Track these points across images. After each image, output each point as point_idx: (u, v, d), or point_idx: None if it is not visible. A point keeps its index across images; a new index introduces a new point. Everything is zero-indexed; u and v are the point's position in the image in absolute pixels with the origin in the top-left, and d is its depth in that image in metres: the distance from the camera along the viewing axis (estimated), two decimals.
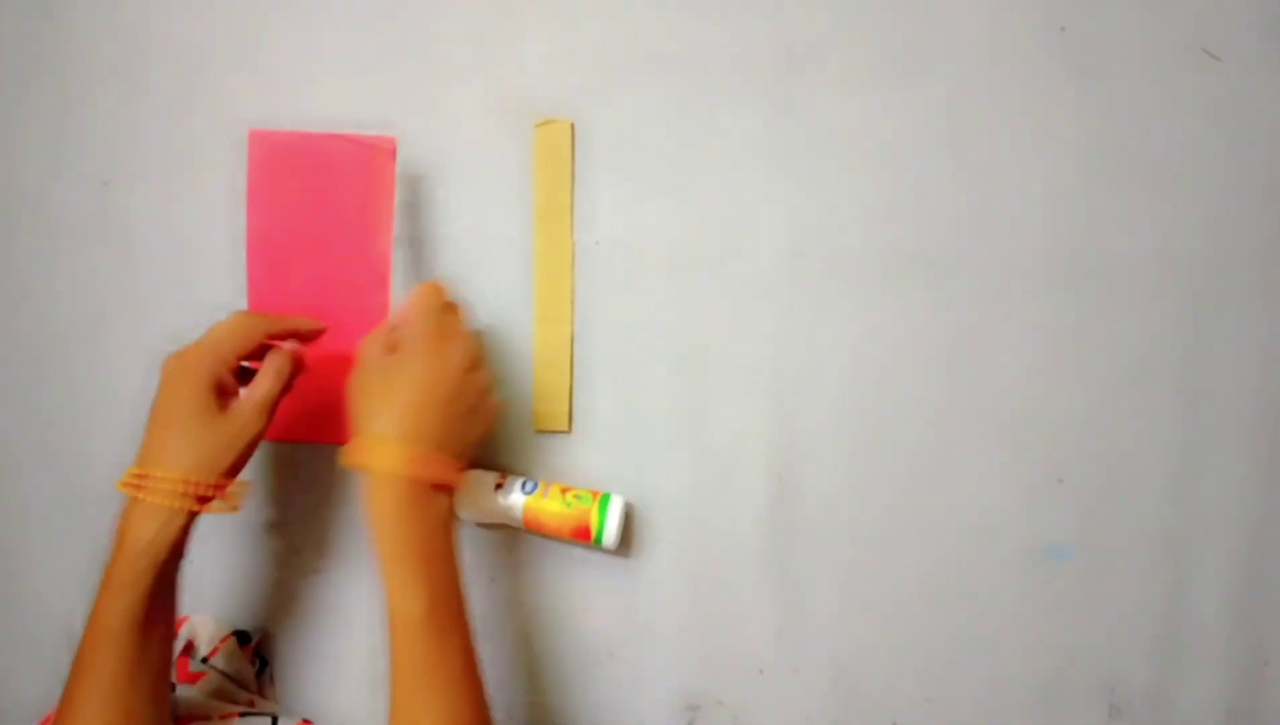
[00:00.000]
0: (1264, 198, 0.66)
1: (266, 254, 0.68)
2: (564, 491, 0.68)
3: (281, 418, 0.63)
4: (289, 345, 0.63)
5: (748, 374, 0.69)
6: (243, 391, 0.61)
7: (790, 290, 0.68)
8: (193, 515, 0.59)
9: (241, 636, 0.72)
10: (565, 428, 0.70)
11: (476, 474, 0.69)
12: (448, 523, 0.59)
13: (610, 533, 0.66)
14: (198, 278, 0.70)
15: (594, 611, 0.71)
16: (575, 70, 0.68)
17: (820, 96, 0.67)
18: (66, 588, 0.72)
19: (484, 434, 0.63)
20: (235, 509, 0.61)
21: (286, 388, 0.62)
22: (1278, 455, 0.68)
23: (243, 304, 0.68)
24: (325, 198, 0.67)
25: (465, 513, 0.68)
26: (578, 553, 0.71)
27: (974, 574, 0.69)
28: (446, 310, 0.62)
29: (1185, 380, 0.68)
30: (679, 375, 0.69)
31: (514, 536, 0.71)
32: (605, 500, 0.67)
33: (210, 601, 0.72)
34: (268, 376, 0.61)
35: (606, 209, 0.69)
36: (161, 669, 0.59)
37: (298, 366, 0.63)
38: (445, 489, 0.59)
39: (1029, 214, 0.67)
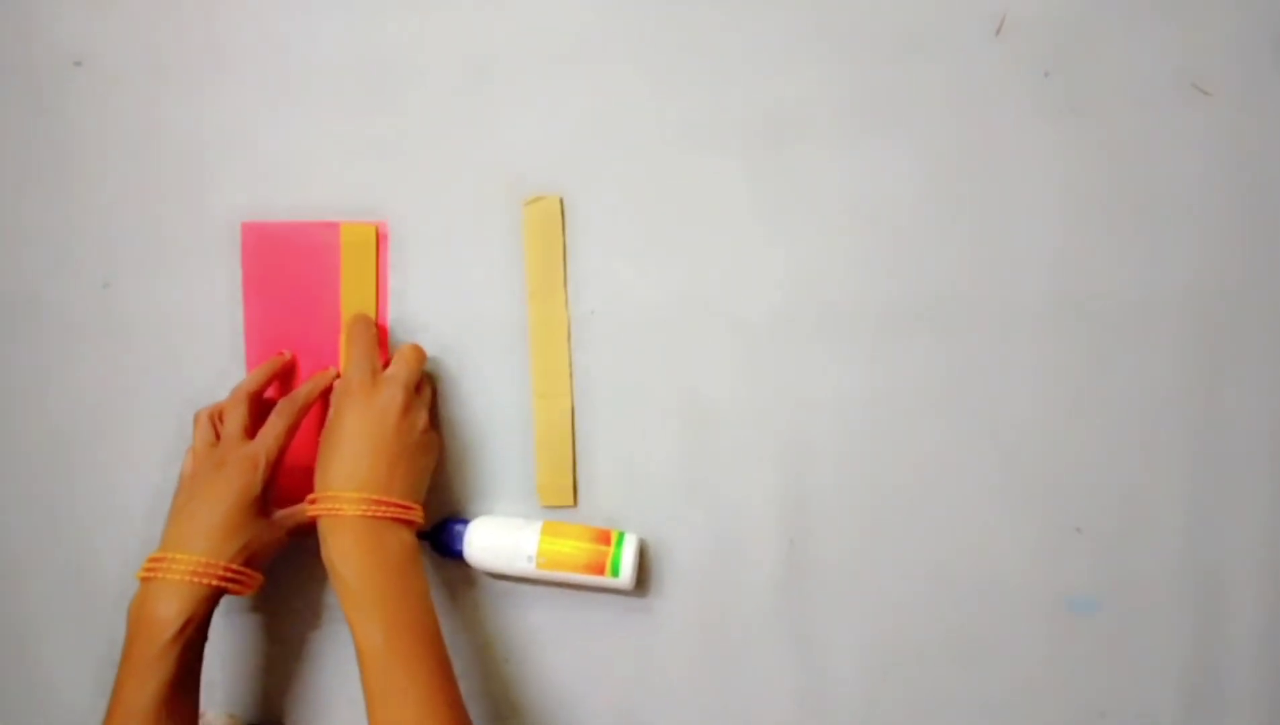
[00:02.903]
0: (1261, 231, 0.65)
1: (264, 343, 0.70)
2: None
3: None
4: None
5: (752, 437, 0.68)
6: (280, 513, 0.65)
7: (789, 350, 0.68)
8: (214, 596, 0.60)
9: None
10: (571, 502, 0.69)
11: (489, 519, 0.68)
12: (406, 557, 0.60)
13: (626, 565, 0.66)
14: (199, 371, 0.70)
15: (609, 677, 0.70)
16: (561, 146, 0.68)
17: (805, 154, 0.67)
18: (80, 689, 0.72)
19: (430, 468, 0.66)
20: (253, 592, 0.63)
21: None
22: None
23: None
24: (318, 283, 0.69)
25: (475, 558, 0.67)
26: (593, 617, 0.69)
27: (996, 631, 0.67)
28: (407, 365, 0.65)
29: (1196, 420, 0.66)
30: (682, 442, 0.69)
31: (525, 600, 0.70)
32: (621, 536, 0.67)
33: (221, 696, 0.71)
34: (304, 510, 0.63)
35: (599, 280, 0.69)
36: None
37: None
38: (403, 524, 0.61)
39: (1026, 259, 0.66)
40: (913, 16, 0.66)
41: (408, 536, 0.61)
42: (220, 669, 0.71)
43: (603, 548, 0.66)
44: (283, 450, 0.64)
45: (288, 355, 0.69)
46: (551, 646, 0.70)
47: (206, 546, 0.60)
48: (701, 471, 0.69)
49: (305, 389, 0.67)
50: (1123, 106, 0.66)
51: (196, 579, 0.59)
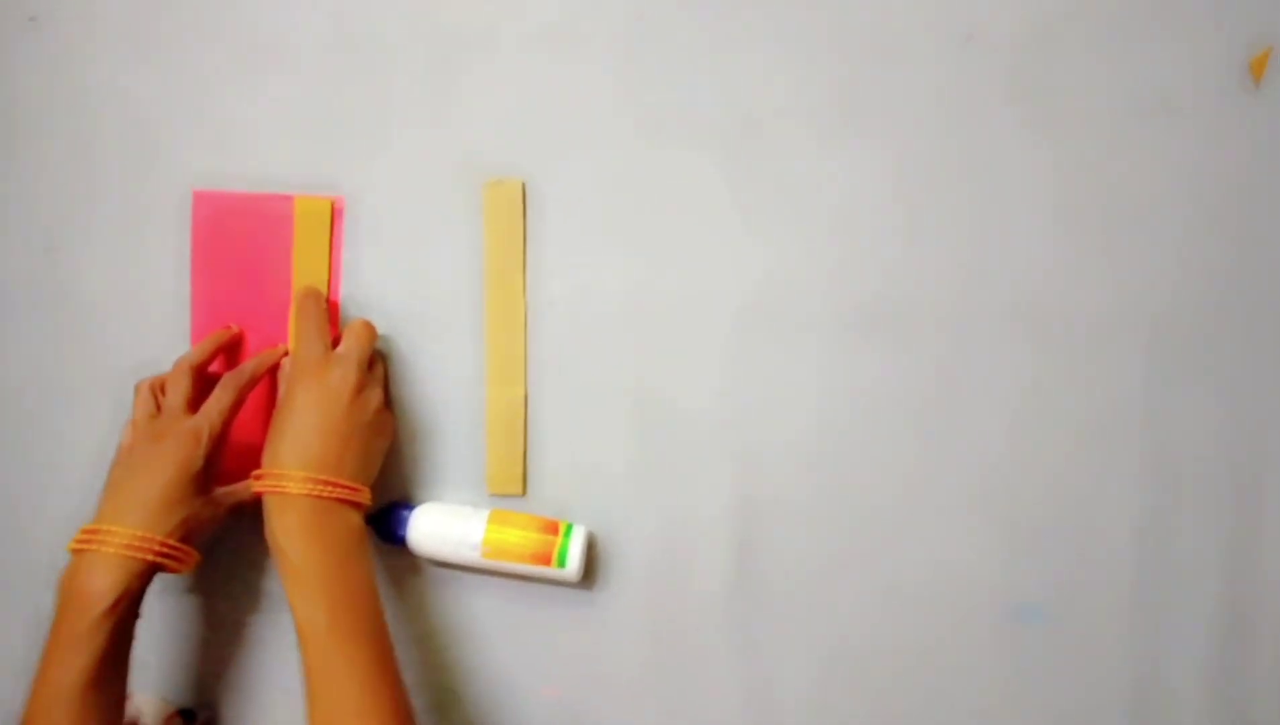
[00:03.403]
0: (1223, 245, 0.66)
1: (211, 316, 0.68)
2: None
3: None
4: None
5: (707, 436, 0.68)
6: (220, 490, 0.64)
7: (747, 349, 0.67)
8: (149, 572, 0.58)
9: (186, 714, 0.69)
10: (520, 491, 0.68)
11: (435, 506, 0.67)
12: (352, 538, 0.59)
13: (573, 557, 0.65)
14: (142, 342, 0.69)
15: (553, 669, 0.69)
16: (526, 129, 0.68)
17: (774, 155, 0.67)
18: (2, 665, 0.69)
19: (384, 449, 0.65)
20: (189, 570, 0.61)
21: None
22: (1247, 504, 0.67)
23: None
24: (269, 257, 0.67)
25: (419, 544, 0.66)
26: (539, 609, 0.68)
27: (945, 638, 0.67)
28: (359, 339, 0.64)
29: (1150, 432, 0.67)
30: (635, 437, 0.68)
31: (470, 589, 0.69)
32: (569, 527, 0.66)
33: (152, 678, 0.69)
34: (247, 488, 0.62)
35: (559, 268, 0.68)
36: None
37: None
38: (350, 506, 0.60)
39: (988, 269, 0.67)
40: (885, 22, 0.66)
41: (354, 518, 0.60)
42: (153, 650, 0.69)
43: (550, 538, 0.65)
44: (227, 425, 0.63)
45: (235, 329, 0.68)
46: (495, 637, 0.69)
47: (143, 520, 0.58)
48: (654, 468, 0.68)
49: (252, 364, 0.66)
50: (1090, 121, 0.66)
51: (132, 553, 0.57)
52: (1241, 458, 0.67)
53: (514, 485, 0.68)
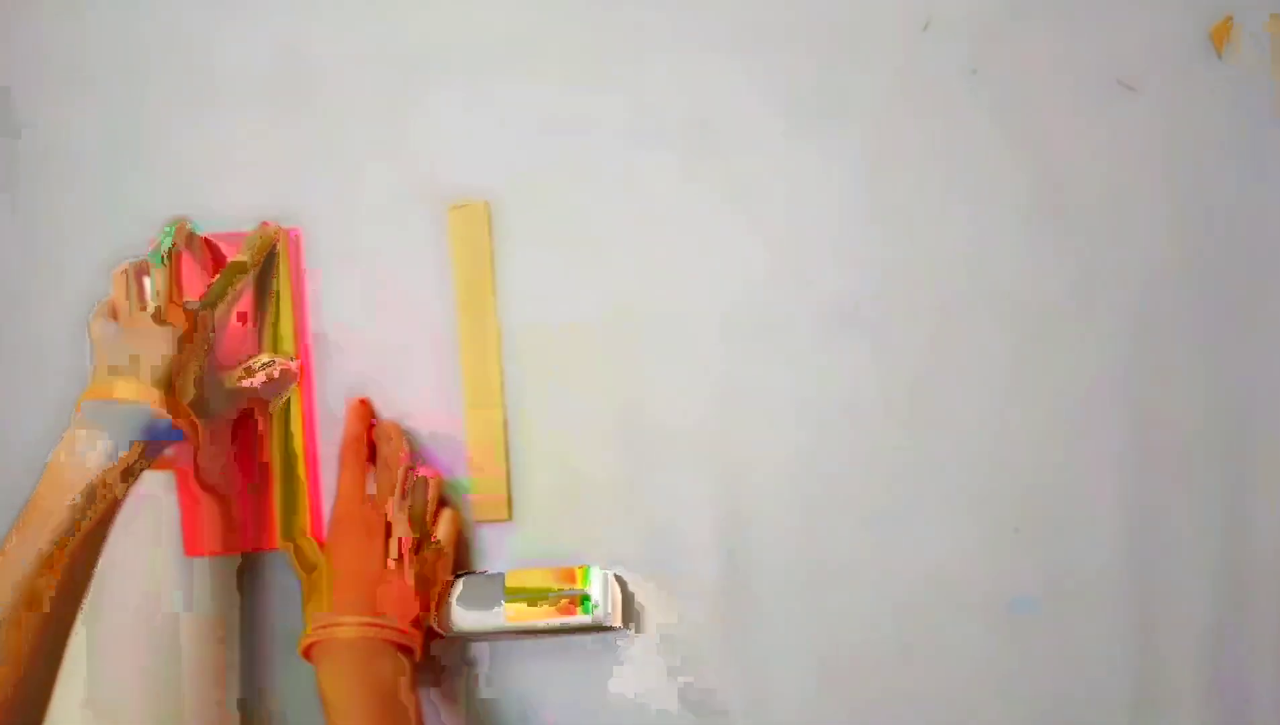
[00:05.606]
0: (1199, 222, 0.65)
1: None
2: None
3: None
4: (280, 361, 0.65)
5: (688, 446, 0.67)
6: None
7: (724, 354, 0.67)
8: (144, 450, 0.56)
9: None
10: (505, 516, 0.67)
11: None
12: (401, 677, 0.59)
13: (597, 600, 0.63)
14: None
15: (555, 704, 0.68)
16: (487, 150, 0.67)
17: (734, 156, 0.66)
18: None
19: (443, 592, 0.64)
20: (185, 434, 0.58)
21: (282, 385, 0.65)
22: (1233, 486, 0.66)
23: None
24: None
25: (444, 624, 0.65)
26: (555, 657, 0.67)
27: (938, 634, 0.66)
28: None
29: (1131, 417, 0.66)
30: (618, 452, 0.67)
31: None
32: (586, 571, 0.64)
33: None
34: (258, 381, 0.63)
35: (530, 288, 0.67)
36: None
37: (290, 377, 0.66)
38: (400, 649, 0.59)
39: (959, 258, 0.66)
40: (842, 14, 0.66)
41: (403, 661, 0.59)
42: None
43: (568, 585, 0.64)
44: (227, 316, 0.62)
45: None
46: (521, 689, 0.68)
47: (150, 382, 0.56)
48: (638, 481, 0.67)
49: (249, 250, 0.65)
50: (1049, 103, 0.65)
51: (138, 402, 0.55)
52: (1230, 439, 0.66)
53: (499, 511, 0.67)
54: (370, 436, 0.66)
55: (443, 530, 0.64)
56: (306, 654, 0.59)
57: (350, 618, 0.58)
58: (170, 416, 0.56)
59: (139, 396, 0.55)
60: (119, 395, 0.55)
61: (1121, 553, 0.66)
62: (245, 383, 0.63)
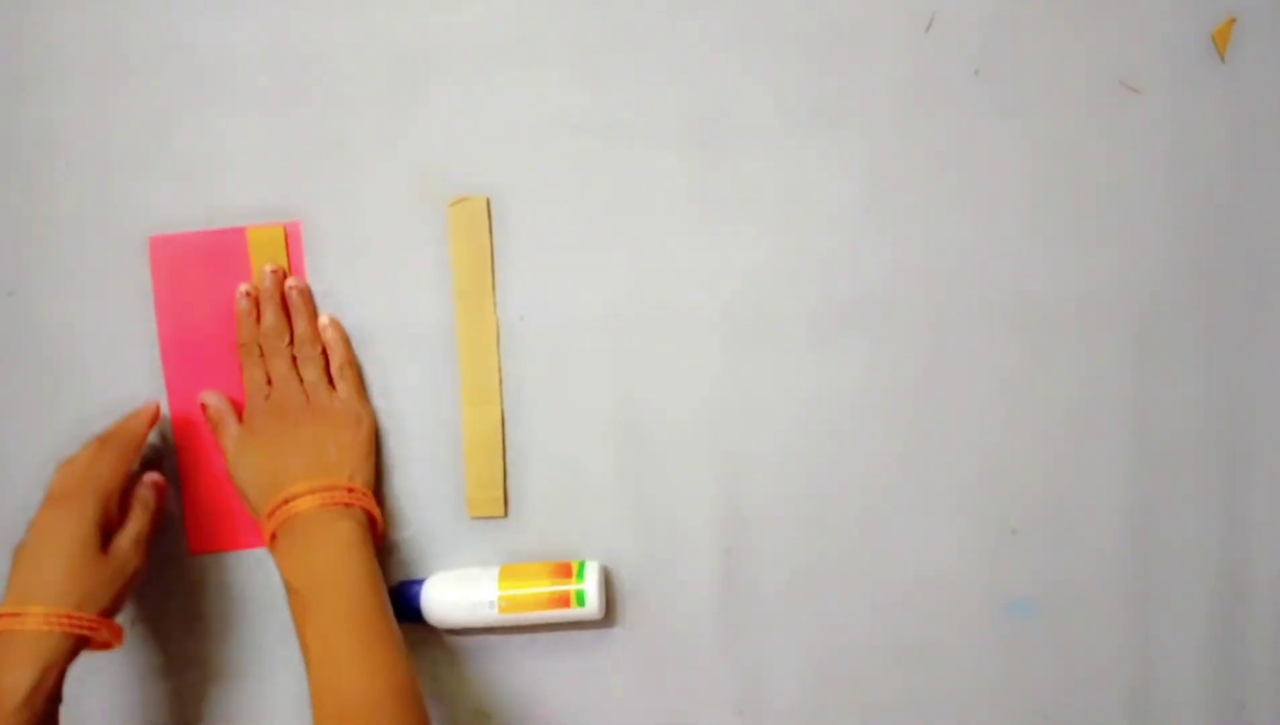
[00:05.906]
0: (1203, 224, 0.65)
1: (182, 357, 0.67)
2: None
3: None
4: (149, 477, 0.64)
5: (687, 443, 0.67)
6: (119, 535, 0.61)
7: (724, 352, 0.66)
8: (71, 655, 0.55)
9: None
10: (501, 512, 0.67)
11: (443, 575, 0.66)
12: (355, 536, 0.61)
13: (591, 594, 0.63)
14: (113, 381, 0.67)
15: (555, 703, 0.68)
16: (487, 144, 0.67)
17: (739, 154, 0.66)
18: None
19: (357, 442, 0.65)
20: (116, 645, 0.59)
21: (157, 519, 0.63)
22: (1237, 490, 0.65)
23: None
24: (232, 292, 0.66)
25: (436, 615, 0.65)
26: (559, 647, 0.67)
27: (936, 636, 0.66)
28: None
29: (1130, 418, 0.66)
30: (616, 449, 0.67)
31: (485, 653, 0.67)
32: (581, 565, 0.64)
33: None
34: (138, 513, 0.61)
35: (529, 283, 0.67)
36: None
37: (160, 495, 0.64)
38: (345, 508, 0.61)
39: (961, 259, 0.66)
40: (845, 14, 0.66)
41: (358, 527, 0.61)
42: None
43: (565, 580, 0.64)
44: (114, 480, 0.60)
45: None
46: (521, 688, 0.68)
47: (55, 594, 0.56)
48: (635, 479, 0.67)
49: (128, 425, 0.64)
50: (1052, 104, 0.65)
51: (63, 633, 0.55)
52: (1230, 442, 0.65)
53: (495, 507, 0.67)
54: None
55: (330, 335, 0.65)
56: (272, 545, 0.61)
57: (302, 485, 0.60)
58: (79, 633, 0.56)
59: (48, 622, 0.55)
60: (28, 627, 0.54)
61: (1121, 554, 0.66)
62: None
